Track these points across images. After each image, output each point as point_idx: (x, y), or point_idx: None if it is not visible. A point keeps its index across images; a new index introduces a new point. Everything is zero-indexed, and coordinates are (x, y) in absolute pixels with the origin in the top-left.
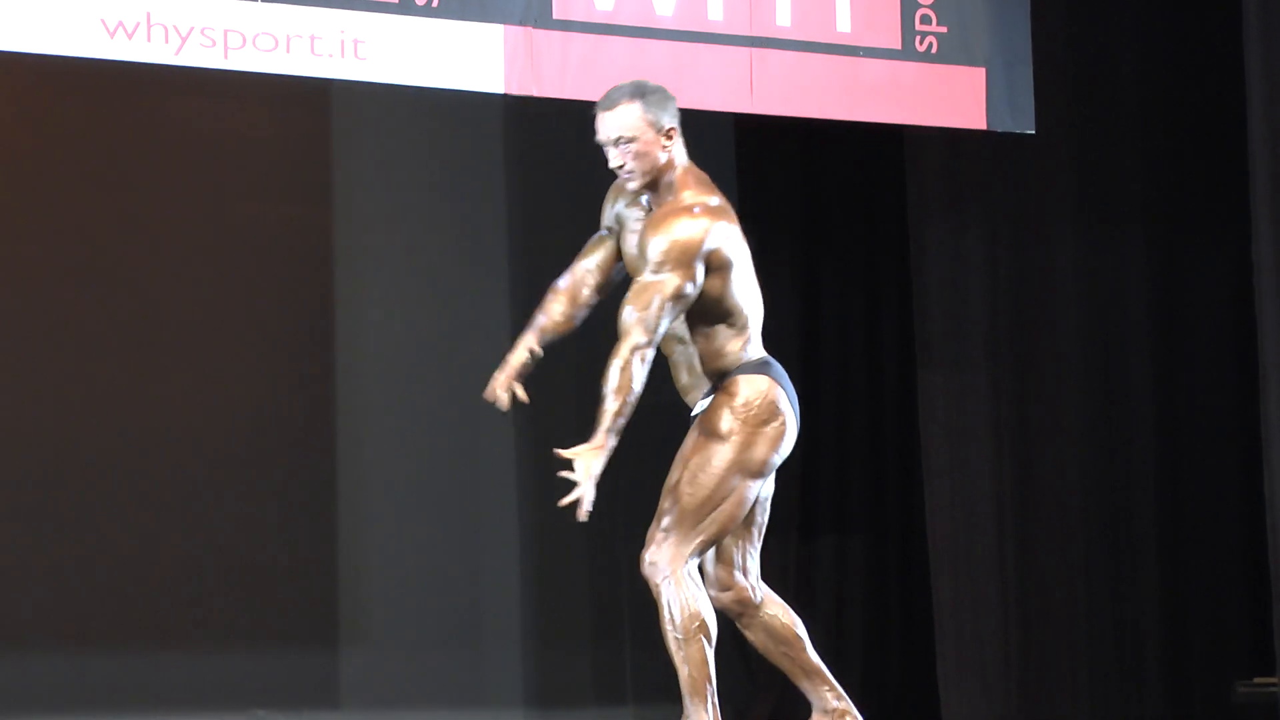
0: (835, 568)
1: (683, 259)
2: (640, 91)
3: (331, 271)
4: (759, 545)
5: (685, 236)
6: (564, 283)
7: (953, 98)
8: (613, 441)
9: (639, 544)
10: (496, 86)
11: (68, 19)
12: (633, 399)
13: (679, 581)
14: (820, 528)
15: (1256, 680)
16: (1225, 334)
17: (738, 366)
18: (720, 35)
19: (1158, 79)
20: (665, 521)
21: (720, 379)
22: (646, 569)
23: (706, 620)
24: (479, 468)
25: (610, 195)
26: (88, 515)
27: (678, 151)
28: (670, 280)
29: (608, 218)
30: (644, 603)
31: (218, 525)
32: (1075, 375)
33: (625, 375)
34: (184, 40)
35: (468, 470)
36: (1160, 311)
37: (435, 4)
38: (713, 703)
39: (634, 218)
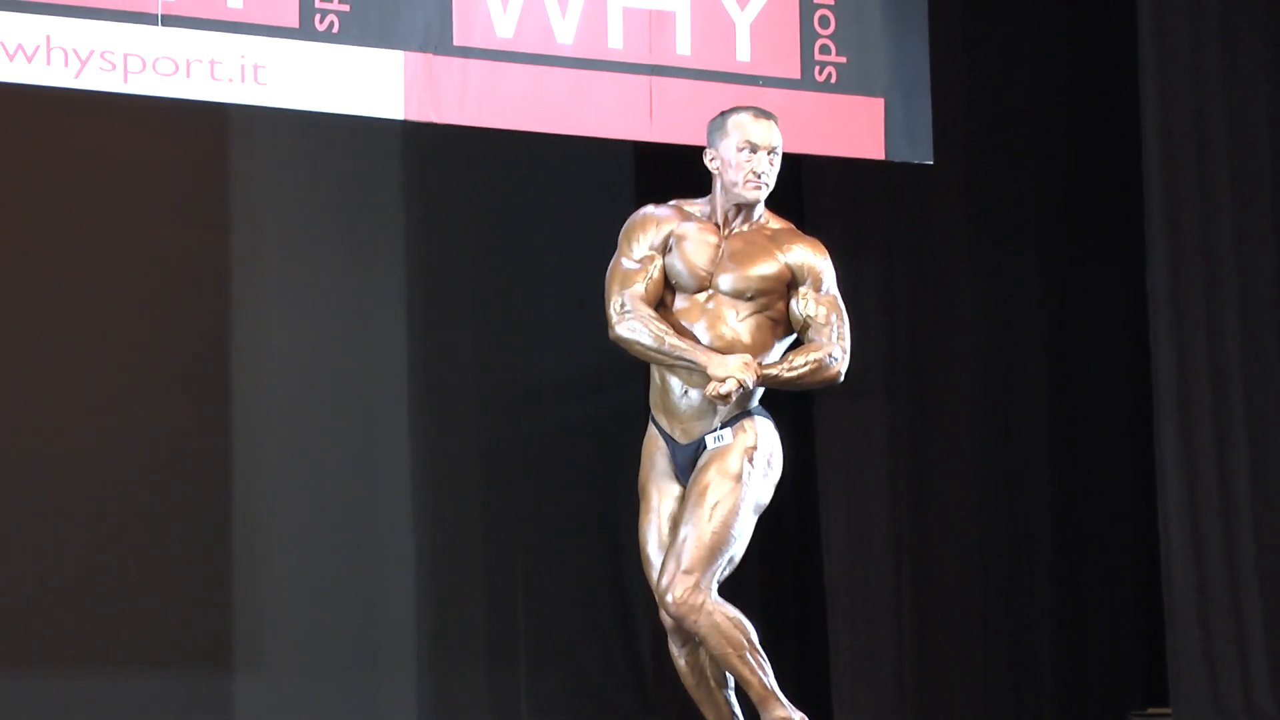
0: (732, 594)
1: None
2: None
3: (229, 296)
4: None
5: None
6: (648, 310)
7: (851, 128)
8: (765, 377)
9: (536, 566)
10: (396, 112)
11: None
12: (795, 385)
13: (714, 609)
14: None
15: (1150, 711)
16: (1120, 363)
17: (752, 408)
18: (620, 63)
19: (1054, 111)
20: (686, 560)
21: (736, 417)
22: (678, 609)
23: (748, 626)
24: (375, 490)
25: (650, 225)
26: None
27: None
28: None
29: (649, 244)
30: (539, 625)
31: (111, 547)
32: (972, 403)
33: (809, 375)
34: (84, 64)
35: (364, 492)
36: (1056, 341)
37: (335, 30)
38: (781, 695)
39: (687, 237)
